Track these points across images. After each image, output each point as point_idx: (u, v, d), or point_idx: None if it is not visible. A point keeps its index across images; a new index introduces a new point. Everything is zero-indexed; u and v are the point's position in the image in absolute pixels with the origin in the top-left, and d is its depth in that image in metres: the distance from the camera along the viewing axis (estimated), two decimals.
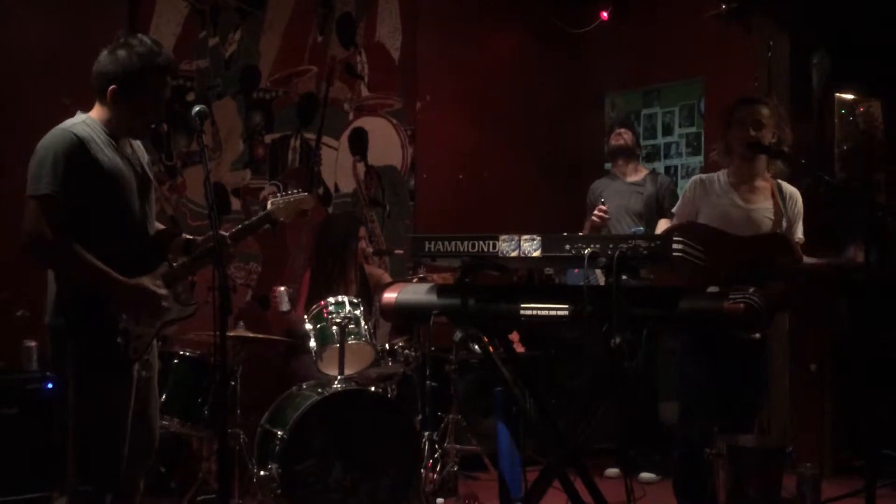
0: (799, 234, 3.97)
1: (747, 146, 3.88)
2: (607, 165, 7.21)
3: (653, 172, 6.01)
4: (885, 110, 6.31)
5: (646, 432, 5.72)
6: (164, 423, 4.53)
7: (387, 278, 5.48)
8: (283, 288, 5.15)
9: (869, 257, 3.57)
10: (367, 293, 5.27)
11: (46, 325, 3.17)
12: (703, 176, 4.14)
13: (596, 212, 5.40)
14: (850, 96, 6.20)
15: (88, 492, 3.11)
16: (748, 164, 3.95)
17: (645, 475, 5.56)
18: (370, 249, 6.12)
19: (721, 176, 4.04)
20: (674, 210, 4.22)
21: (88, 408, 3.11)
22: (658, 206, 5.66)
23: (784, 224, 3.88)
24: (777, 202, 3.90)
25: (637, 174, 5.91)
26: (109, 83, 3.18)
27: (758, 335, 3.74)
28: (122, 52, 3.19)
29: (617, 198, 5.74)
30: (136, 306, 3.18)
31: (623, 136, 5.90)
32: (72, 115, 3.28)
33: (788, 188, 3.98)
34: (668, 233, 3.79)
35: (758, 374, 3.94)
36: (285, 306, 5.12)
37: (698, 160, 6.51)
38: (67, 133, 3.11)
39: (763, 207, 3.92)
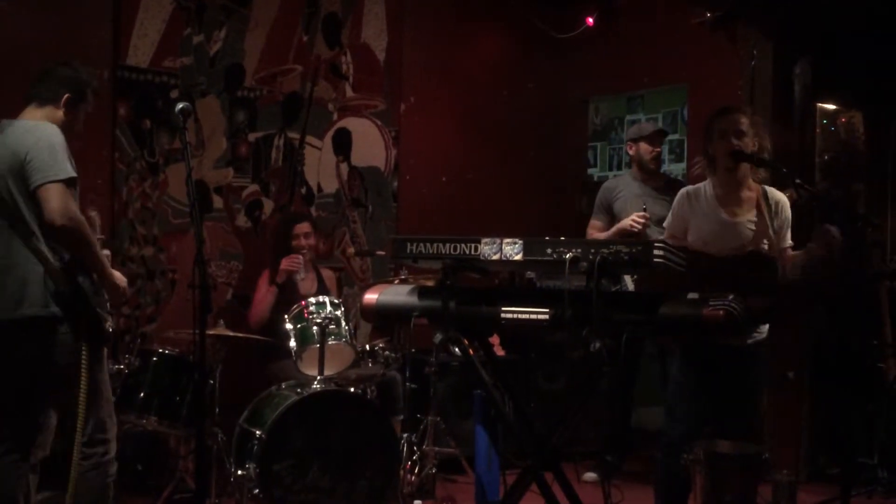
0: (787, 242, 3.96)
1: (730, 155, 3.88)
2: (591, 170, 7.24)
3: (672, 179, 5.83)
4: (867, 121, 6.36)
5: (621, 437, 5.73)
6: (142, 421, 4.53)
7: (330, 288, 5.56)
8: (301, 257, 5.27)
9: (846, 268, 3.59)
10: (326, 294, 5.26)
11: (27, 316, 3.33)
12: (691, 189, 4.08)
13: (636, 217, 5.20)
14: (832, 106, 6.24)
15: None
16: (732, 175, 3.94)
17: (588, 475, 5.55)
18: (351, 250, 6.13)
19: (707, 188, 4.00)
20: (664, 224, 4.13)
21: (89, 384, 3.36)
22: None
23: (771, 233, 3.87)
24: (762, 211, 3.89)
25: (656, 179, 5.67)
26: (64, 91, 3.52)
27: (746, 342, 3.79)
28: (67, 70, 3.58)
29: (637, 201, 5.49)
30: (113, 294, 3.50)
31: (657, 152, 5.65)
32: None
33: (775, 195, 3.95)
34: None
35: (743, 382, 3.92)
36: (303, 273, 5.30)
37: (681, 167, 6.54)
38: (57, 129, 3.39)
39: (747, 219, 3.90)
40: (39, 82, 3.56)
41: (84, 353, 3.33)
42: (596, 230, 5.61)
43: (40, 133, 3.36)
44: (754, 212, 3.90)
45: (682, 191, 4.11)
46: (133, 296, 5.33)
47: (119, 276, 3.54)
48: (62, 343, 3.38)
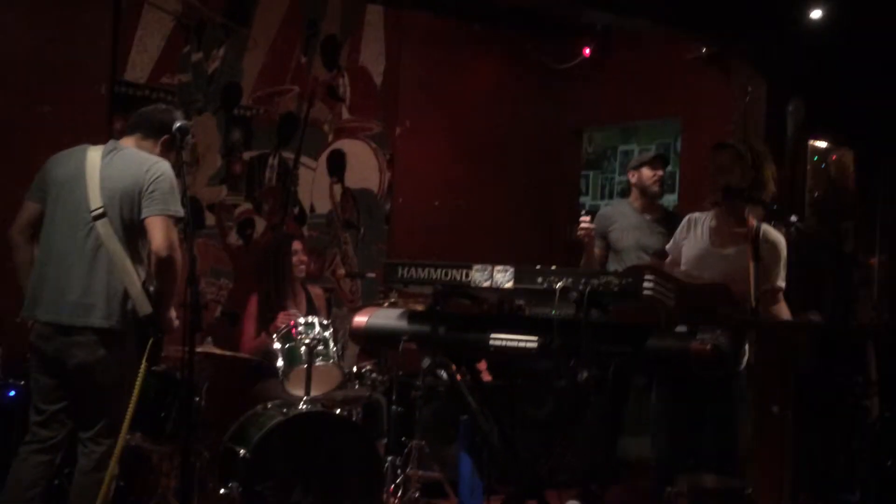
0: (779, 281, 3.99)
1: (713, 190, 3.98)
2: (583, 198, 7.28)
3: (670, 213, 5.75)
4: (857, 160, 6.41)
5: (605, 466, 5.72)
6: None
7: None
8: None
9: (833, 304, 3.62)
10: (315, 313, 5.25)
11: (100, 327, 3.54)
12: (693, 216, 4.21)
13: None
14: (823, 144, 6.29)
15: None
16: (722, 208, 4.02)
17: (572, 503, 5.53)
18: (342, 271, 6.14)
19: (707, 217, 4.12)
20: (667, 247, 4.30)
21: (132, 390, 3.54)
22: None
23: (751, 269, 3.91)
24: (750, 248, 3.93)
25: (654, 210, 5.64)
26: (165, 132, 3.73)
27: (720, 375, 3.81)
28: (169, 114, 3.79)
29: (634, 232, 5.50)
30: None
31: (658, 176, 5.60)
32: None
33: (770, 234, 4.01)
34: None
35: (718, 412, 3.95)
36: (302, 273, 5.42)
37: (673, 198, 6.57)
38: (171, 167, 3.68)
39: (733, 252, 3.96)
40: (147, 117, 3.81)
41: (142, 371, 3.49)
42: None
43: (164, 168, 3.63)
44: (742, 247, 3.95)
45: (688, 216, 4.23)
46: None
47: (174, 318, 3.74)
48: (124, 358, 3.56)
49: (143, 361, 3.51)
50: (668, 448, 4.01)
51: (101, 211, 3.56)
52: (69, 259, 3.59)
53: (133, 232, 3.60)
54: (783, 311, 4.04)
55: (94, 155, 3.68)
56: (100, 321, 3.54)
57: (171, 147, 3.78)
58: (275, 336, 4.85)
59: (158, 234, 3.53)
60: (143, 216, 3.57)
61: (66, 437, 3.68)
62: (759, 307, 3.92)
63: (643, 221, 5.58)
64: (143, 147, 3.75)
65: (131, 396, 3.56)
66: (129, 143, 3.77)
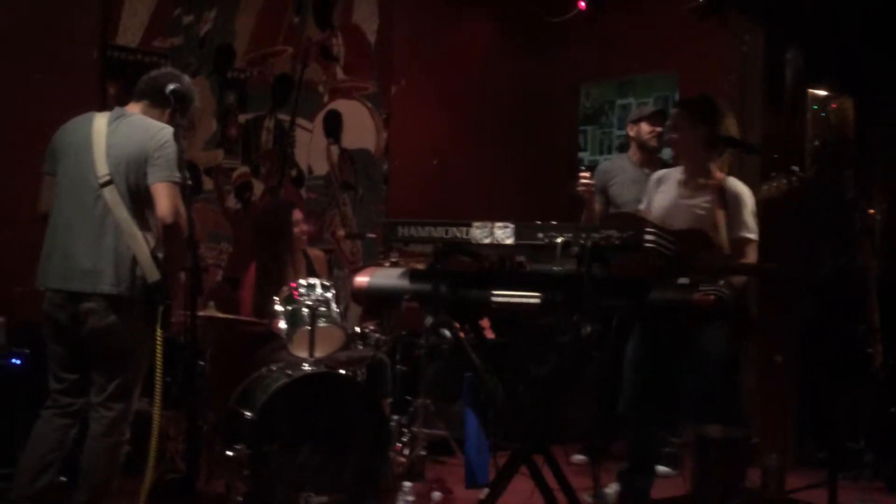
0: (743, 232, 4.00)
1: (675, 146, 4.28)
2: (581, 154, 7.24)
3: (667, 165, 5.77)
4: (857, 108, 6.37)
5: (610, 419, 5.76)
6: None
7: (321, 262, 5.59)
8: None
9: (834, 254, 3.62)
10: (315, 276, 5.26)
11: (109, 294, 3.53)
12: (660, 172, 4.37)
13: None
14: (823, 93, 6.25)
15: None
16: (685, 163, 4.17)
17: (577, 457, 5.59)
18: (341, 232, 6.12)
19: (676, 172, 4.24)
20: (640, 206, 4.36)
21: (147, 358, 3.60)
22: None
23: (720, 220, 3.95)
24: (717, 199, 3.98)
25: (653, 164, 5.60)
26: (170, 104, 3.68)
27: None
28: (179, 84, 3.71)
29: (634, 186, 5.44)
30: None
31: (657, 131, 5.63)
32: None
33: (735, 186, 4.08)
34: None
35: (700, 361, 3.97)
36: (305, 244, 5.38)
37: (669, 151, 6.54)
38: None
39: (700, 203, 4.04)
40: (153, 84, 3.76)
41: (159, 339, 3.50)
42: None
43: (169, 135, 3.59)
44: (711, 197, 4.00)
45: (654, 174, 4.37)
46: None
47: (180, 282, 3.77)
48: (133, 324, 3.57)
49: (158, 329, 3.52)
50: (640, 399, 4.08)
51: (108, 178, 3.56)
52: (78, 227, 3.59)
53: (140, 199, 3.60)
54: None
55: (100, 122, 3.66)
56: (109, 288, 3.54)
57: (175, 118, 3.75)
58: (276, 299, 4.85)
59: (164, 200, 3.52)
60: (149, 183, 3.57)
61: (85, 404, 3.70)
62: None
63: (642, 176, 5.56)
64: (151, 115, 3.74)
65: (141, 362, 3.59)
66: (135, 110, 3.75)
